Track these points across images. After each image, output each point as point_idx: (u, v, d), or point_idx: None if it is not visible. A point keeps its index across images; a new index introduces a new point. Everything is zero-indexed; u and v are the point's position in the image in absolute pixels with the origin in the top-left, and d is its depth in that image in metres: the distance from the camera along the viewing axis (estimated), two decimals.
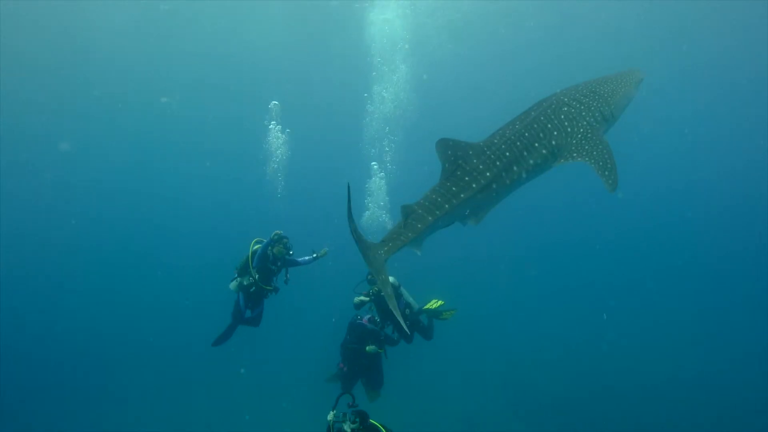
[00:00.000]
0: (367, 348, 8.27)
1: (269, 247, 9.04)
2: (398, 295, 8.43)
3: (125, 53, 26.23)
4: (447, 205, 4.54)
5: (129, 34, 25.20)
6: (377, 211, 14.36)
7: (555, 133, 4.83)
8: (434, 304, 8.68)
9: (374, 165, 16.37)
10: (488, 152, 4.72)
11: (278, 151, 17.80)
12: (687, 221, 29.14)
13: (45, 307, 23.16)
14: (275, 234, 9.08)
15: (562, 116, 4.91)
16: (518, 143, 4.74)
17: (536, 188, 5.30)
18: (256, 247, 9.20)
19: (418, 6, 20.66)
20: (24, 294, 23.37)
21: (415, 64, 19.21)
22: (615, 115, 5.20)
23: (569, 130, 4.87)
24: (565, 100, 5.04)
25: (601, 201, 28.00)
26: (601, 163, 4.61)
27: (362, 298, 8.52)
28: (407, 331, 8.28)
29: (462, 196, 4.56)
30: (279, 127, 17.76)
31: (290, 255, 9.18)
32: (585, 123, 4.91)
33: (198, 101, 29.81)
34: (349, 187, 4.26)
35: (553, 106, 4.98)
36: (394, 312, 4.39)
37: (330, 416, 6.00)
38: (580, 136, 4.84)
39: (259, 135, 18.26)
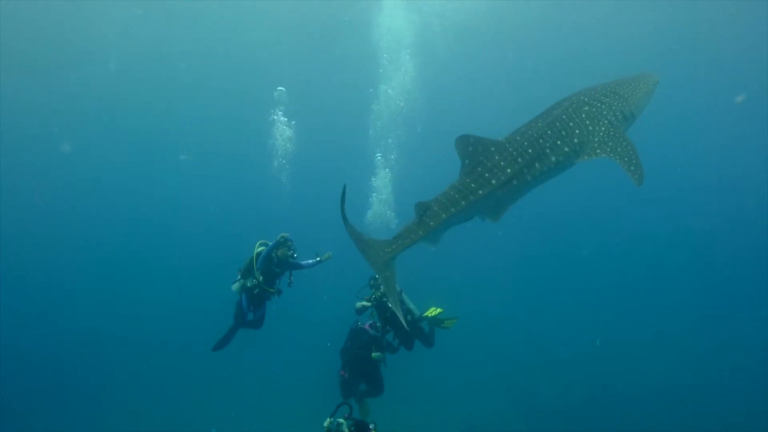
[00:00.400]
0: (373, 355, 8.17)
1: (274, 250, 9.03)
2: (400, 302, 8.37)
3: (125, 53, 26.18)
4: (464, 202, 4.55)
5: (129, 34, 25.15)
6: (381, 208, 14.27)
7: (577, 131, 4.87)
8: (433, 311, 8.66)
9: (378, 157, 16.28)
10: (510, 149, 4.73)
11: (282, 142, 17.65)
12: (688, 225, 29.08)
13: (45, 307, 23.08)
14: (281, 236, 9.07)
15: (584, 115, 4.96)
16: (540, 141, 4.77)
17: (536, 191, 5.28)
18: (260, 249, 9.20)
19: (425, 6, 20.63)
20: (24, 294, 23.31)
21: (420, 63, 19.19)
22: (635, 115, 5.26)
23: (591, 128, 4.91)
24: (586, 99, 5.08)
25: (602, 204, 27.99)
26: (626, 159, 4.66)
27: (364, 303, 8.48)
28: (407, 329, 8.22)
29: (480, 192, 4.57)
30: (284, 119, 17.66)
31: (294, 258, 9.17)
32: (606, 122, 4.95)
33: (202, 100, 29.73)
34: (344, 187, 4.24)
35: (574, 106, 5.02)
36: (395, 310, 4.37)
37: (326, 423, 5.98)
38: (602, 134, 4.88)
39: (263, 134, 18.21)
